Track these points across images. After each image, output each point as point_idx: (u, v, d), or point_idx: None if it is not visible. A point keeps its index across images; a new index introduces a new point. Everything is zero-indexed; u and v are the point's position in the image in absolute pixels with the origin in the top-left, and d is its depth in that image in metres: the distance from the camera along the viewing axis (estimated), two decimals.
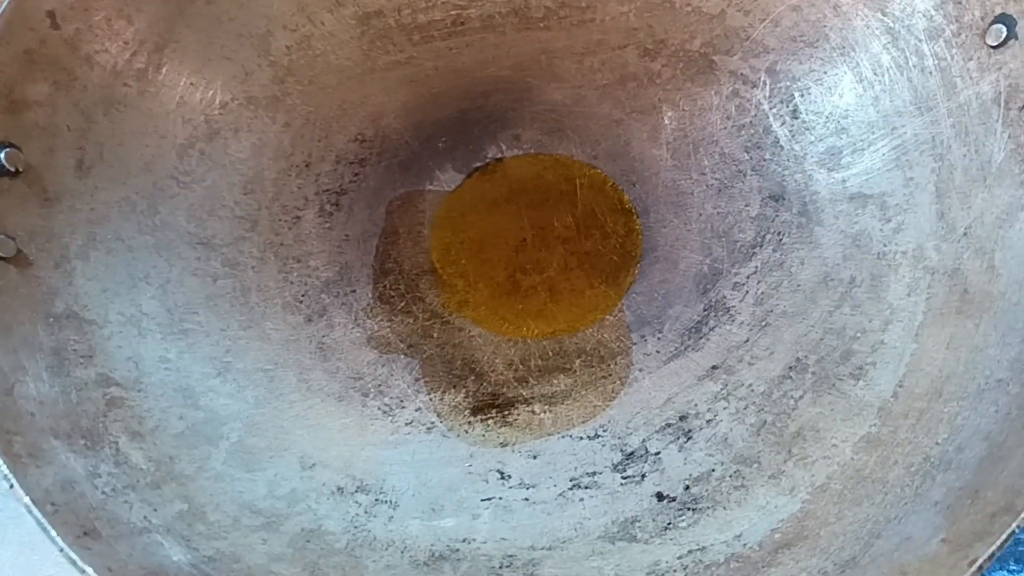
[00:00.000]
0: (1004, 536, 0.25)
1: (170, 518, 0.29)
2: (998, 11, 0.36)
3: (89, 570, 0.25)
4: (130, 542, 0.27)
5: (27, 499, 0.26)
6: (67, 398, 0.31)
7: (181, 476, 0.31)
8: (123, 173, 0.38)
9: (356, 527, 0.32)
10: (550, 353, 0.42)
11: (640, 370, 0.40)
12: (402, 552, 0.31)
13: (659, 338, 0.41)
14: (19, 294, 0.32)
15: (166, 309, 0.36)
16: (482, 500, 0.34)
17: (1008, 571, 0.39)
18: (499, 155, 0.47)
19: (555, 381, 0.40)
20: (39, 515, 0.26)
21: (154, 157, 0.39)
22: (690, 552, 0.31)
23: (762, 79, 0.44)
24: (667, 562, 0.31)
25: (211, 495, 0.31)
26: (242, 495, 0.31)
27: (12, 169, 0.34)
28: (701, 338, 0.40)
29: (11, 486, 0.26)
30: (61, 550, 0.25)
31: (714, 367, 0.38)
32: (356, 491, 0.33)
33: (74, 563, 0.25)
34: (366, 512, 0.33)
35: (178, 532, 0.29)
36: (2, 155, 0.34)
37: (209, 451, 0.32)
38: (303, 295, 0.41)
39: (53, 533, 0.25)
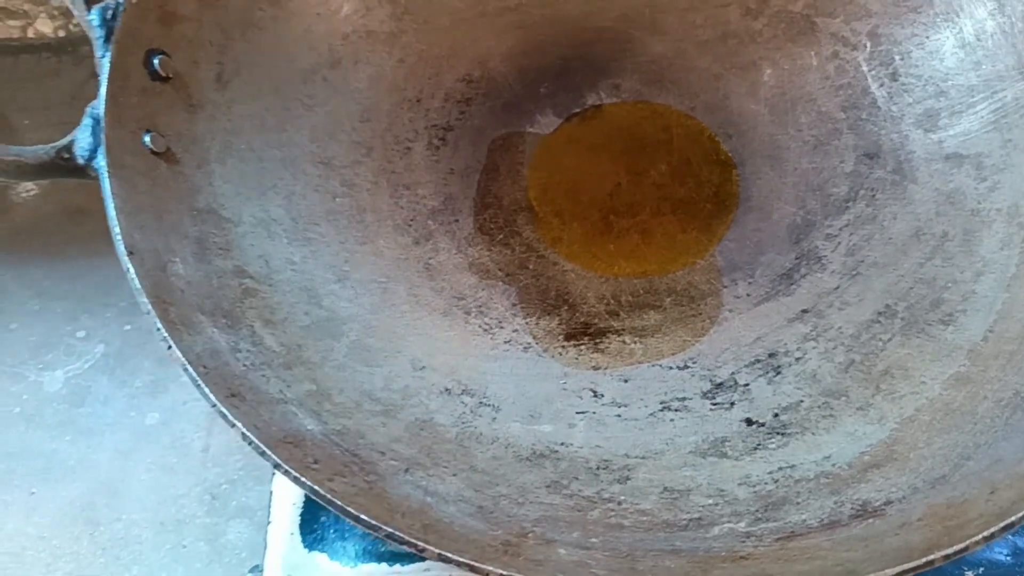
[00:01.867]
0: None
1: (301, 394, 0.31)
2: None
3: (239, 424, 0.27)
4: (270, 408, 0.30)
5: (183, 359, 0.29)
6: (209, 282, 0.33)
7: (309, 362, 0.33)
8: (256, 91, 0.41)
9: (463, 423, 0.34)
10: (640, 291, 0.43)
11: (730, 311, 0.41)
12: (506, 447, 0.33)
13: (750, 282, 0.42)
14: (169, 186, 0.35)
15: (291, 218, 0.39)
16: (577, 412, 0.36)
17: None
18: (598, 102, 0.48)
19: (645, 316, 0.42)
20: (194, 374, 0.28)
21: (283, 79, 0.42)
22: (780, 469, 0.32)
23: (863, 42, 0.45)
24: (758, 476, 0.32)
25: (335, 381, 0.33)
26: (362, 384, 0.34)
27: (164, 75, 0.37)
28: (792, 284, 0.41)
29: (169, 347, 0.29)
30: (214, 405, 0.28)
31: (804, 311, 0.40)
32: (462, 393, 0.36)
33: (225, 417, 0.28)
34: (471, 412, 0.35)
35: (309, 407, 0.31)
36: (156, 61, 0.36)
37: (332, 344, 0.35)
38: (412, 219, 0.43)
39: (207, 390, 0.28)
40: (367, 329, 0.37)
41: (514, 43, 0.48)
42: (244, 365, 0.31)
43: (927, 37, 0.43)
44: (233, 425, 0.28)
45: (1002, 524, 0.26)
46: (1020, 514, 0.26)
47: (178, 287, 0.32)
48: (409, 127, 0.45)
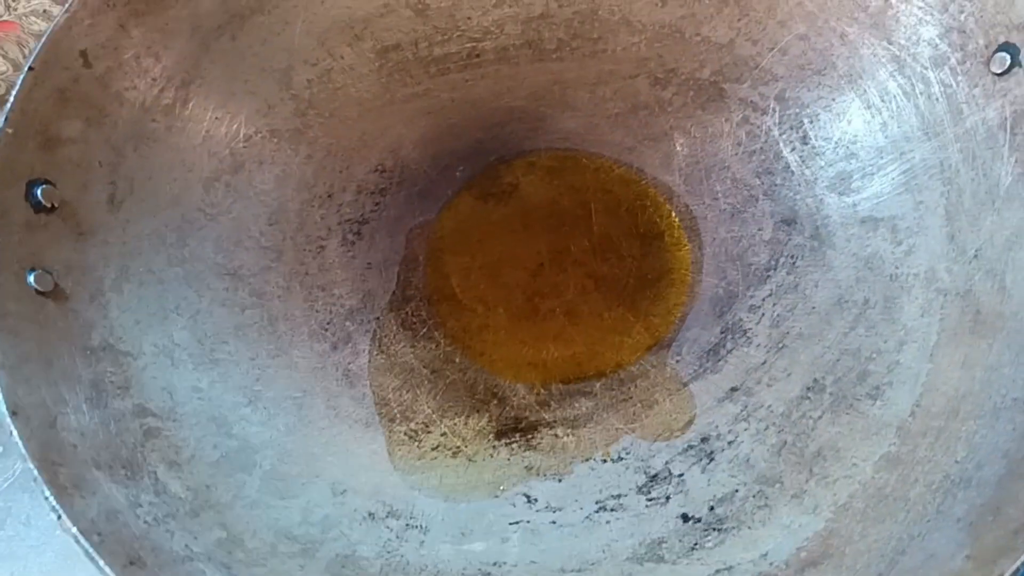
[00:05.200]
0: None
1: (210, 546, 0.30)
2: (1002, 40, 0.37)
3: None
4: (174, 570, 0.28)
5: (74, 529, 0.27)
6: (106, 429, 0.31)
7: (218, 504, 0.32)
8: (153, 206, 0.39)
9: (389, 552, 0.32)
10: (571, 376, 0.42)
11: (660, 392, 0.40)
12: None
13: (678, 360, 0.41)
14: (57, 328, 0.33)
15: (197, 339, 0.37)
16: (510, 524, 0.35)
17: None
18: (515, 182, 0.48)
19: (577, 404, 0.41)
20: (87, 545, 0.26)
21: (182, 190, 0.40)
22: (717, 572, 0.32)
23: (772, 106, 0.45)
24: None
25: (248, 522, 0.31)
26: (278, 522, 0.32)
27: (48, 205, 0.35)
28: (719, 360, 0.41)
29: (59, 517, 0.27)
30: None
31: (733, 389, 0.39)
32: (387, 516, 0.34)
33: None
34: (397, 537, 0.33)
35: (219, 560, 0.29)
36: (39, 192, 0.34)
37: (244, 479, 0.33)
38: (328, 323, 0.41)
39: (101, 563, 0.26)
40: (282, 455, 0.35)
41: (425, 129, 0.47)
42: (145, 522, 0.29)
43: (833, 100, 0.43)
44: None
45: None
46: None
47: (70, 443, 0.30)
48: (321, 225, 0.44)
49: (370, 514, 0.34)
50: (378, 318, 0.43)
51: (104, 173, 0.38)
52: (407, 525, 0.34)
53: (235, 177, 0.42)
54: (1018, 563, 0.25)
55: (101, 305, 0.35)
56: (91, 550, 0.26)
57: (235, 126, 0.43)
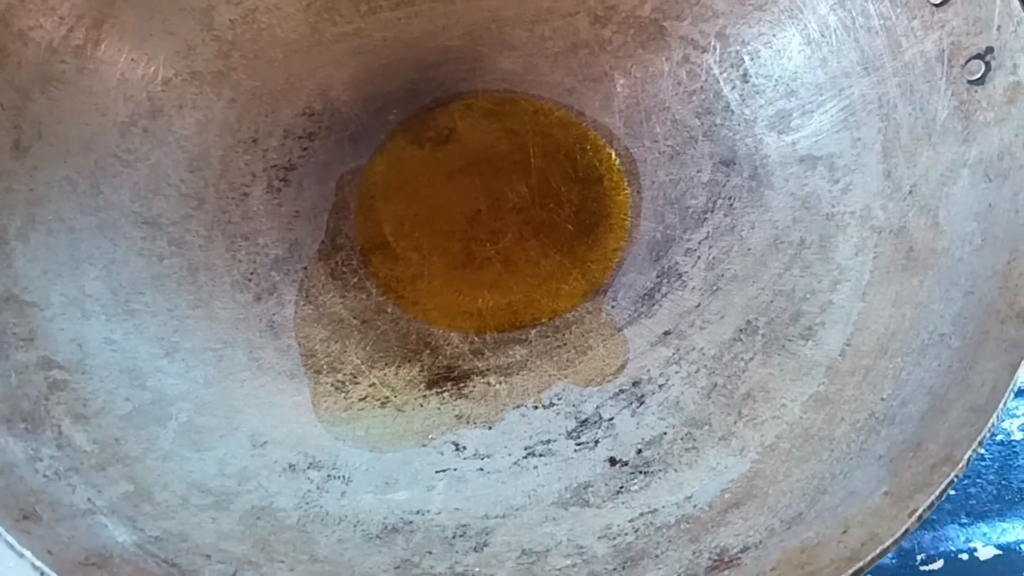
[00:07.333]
0: (943, 486, 0.26)
1: (115, 499, 0.29)
2: None
3: (28, 554, 0.25)
4: (72, 524, 0.27)
5: None
6: (6, 382, 0.30)
7: (127, 457, 0.31)
8: (63, 152, 0.37)
9: (308, 503, 0.32)
10: (505, 324, 0.42)
11: (594, 338, 0.40)
12: (354, 526, 0.31)
13: (613, 306, 0.41)
14: None
15: (111, 290, 0.36)
16: (436, 472, 0.34)
17: (959, 524, 0.39)
18: (451, 126, 0.46)
19: (510, 352, 0.40)
20: None
21: (95, 135, 0.38)
22: (641, 515, 0.31)
23: (712, 44, 0.44)
24: (619, 525, 0.31)
25: (159, 475, 0.30)
26: (191, 474, 0.31)
27: None
28: (654, 304, 0.40)
29: None
30: None
31: (666, 332, 0.39)
32: (308, 467, 0.33)
33: (12, 547, 0.25)
34: (318, 488, 0.32)
35: (123, 513, 0.28)
36: None
37: (157, 432, 0.32)
38: (252, 273, 0.40)
39: None
40: (199, 407, 0.34)
41: (356, 70, 0.45)
42: (45, 476, 0.28)
43: (774, 36, 0.42)
44: (22, 555, 0.25)
45: (852, 570, 0.25)
46: (869, 558, 0.25)
47: None
48: (245, 171, 0.42)
49: (290, 465, 0.33)
50: (305, 268, 0.42)
51: (8, 117, 0.36)
52: (329, 476, 0.33)
53: (153, 122, 0.40)
54: (932, 497, 0.25)
55: (4, 254, 0.33)
56: None
57: (153, 68, 0.41)
